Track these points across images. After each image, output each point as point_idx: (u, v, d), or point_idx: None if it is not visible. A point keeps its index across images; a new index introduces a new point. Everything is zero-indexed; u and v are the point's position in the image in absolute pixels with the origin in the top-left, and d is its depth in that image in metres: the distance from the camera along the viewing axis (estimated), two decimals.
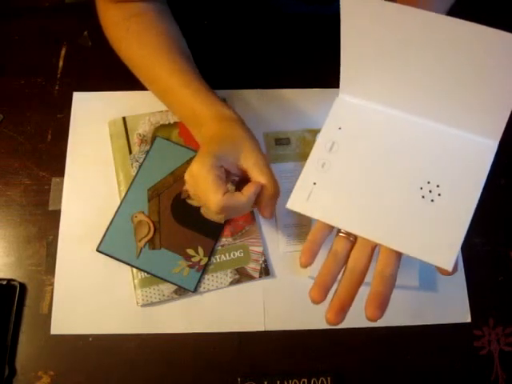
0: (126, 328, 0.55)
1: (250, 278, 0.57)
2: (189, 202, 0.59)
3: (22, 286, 0.56)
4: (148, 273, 0.56)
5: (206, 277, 0.57)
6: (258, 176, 0.48)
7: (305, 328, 0.55)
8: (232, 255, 0.57)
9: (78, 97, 0.65)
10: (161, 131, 0.62)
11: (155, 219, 0.58)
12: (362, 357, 0.55)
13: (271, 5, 0.70)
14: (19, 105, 0.65)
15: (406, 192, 0.43)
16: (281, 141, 0.63)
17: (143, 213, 0.58)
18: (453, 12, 0.58)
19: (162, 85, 0.56)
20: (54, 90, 0.66)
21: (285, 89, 0.65)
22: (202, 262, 0.57)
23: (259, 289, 0.57)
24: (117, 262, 0.56)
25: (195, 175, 0.47)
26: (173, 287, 0.56)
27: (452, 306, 0.56)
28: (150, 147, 0.61)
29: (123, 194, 0.59)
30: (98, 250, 0.57)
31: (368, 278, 0.41)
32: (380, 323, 0.55)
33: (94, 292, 0.56)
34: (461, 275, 0.58)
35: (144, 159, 0.60)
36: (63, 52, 0.68)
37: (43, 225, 0.59)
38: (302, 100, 0.65)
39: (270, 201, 0.48)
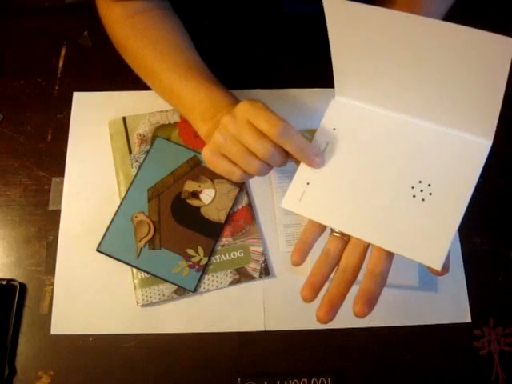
0: (125, 328, 0.55)
1: (250, 277, 0.57)
2: (189, 202, 0.59)
3: (22, 286, 0.56)
4: (148, 273, 0.56)
5: (206, 277, 0.57)
6: None
7: (305, 328, 0.55)
8: (232, 255, 0.57)
9: (77, 97, 0.65)
10: (161, 131, 0.62)
11: (155, 219, 0.58)
12: (361, 357, 0.55)
13: (271, 5, 0.70)
14: (19, 105, 0.65)
15: (398, 191, 0.43)
16: None
17: (143, 213, 0.58)
18: (452, 13, 0.58)
19: (168, 81, 0.55)
20: (54, 90, 0.66)
21: (285, 89, 0.66)
22: (202, 262, 0.57)
23: (259, 289, 0.57)
24: (117, 261, 0.56)
25: (253, 106, 0.45)
26: (173, 287, 0.56)
27: (452, 306, 0.56)
28: (150, 147, 0.61)
29: (123, 194, 0.59)
30: (98, 250, 0.57)
31: (361, 278, 0.41)
32: (380, 323, 0.56)
33: (94, 292, 0.56)
34: (461, 275, 0.58)
35: (144, 159, 0.60)
36: (63, 52, 0.68)
37: (43, 225, 0.59)
38: (302, 100, 0.65)
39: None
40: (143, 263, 0.56)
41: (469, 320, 0.56)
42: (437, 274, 0.41)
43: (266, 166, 0.46)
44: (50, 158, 0.62)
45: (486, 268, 0.58)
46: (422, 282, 0.56)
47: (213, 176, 0.60)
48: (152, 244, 0.57)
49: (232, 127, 0.45)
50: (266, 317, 0.56)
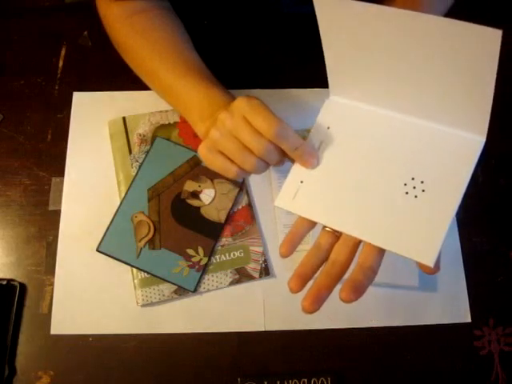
0: (125, 328, 0.55)
1: (250, 277, 0.57)
2: (189, 202, 0.59)
3: (22, 286, 0.56)
4: (148, 273, 0.56)
5: (206, 277, 0.56)
6: None
7: (305, 328, 0.55)
8: (232, 255, 0.57)
9: (77, 97, 0.65)
10: (161, 131, 0.62)
11: (155, 219, 0.58)
12: (361, 357, 0.55)
13: (271, 5, 0.70)
14: (19, 105, 0.65)
15: (391, 189, 0.43)
16: None
17: (143, 213, 0.58)
18: (452, 13, 0.58)
19: (167, 81, 0.55)
20: (54, 90, 0.66)
21: (285, 89, 0.66)
22: (202, 262, 0.57)
23: (259, 289, 0.57)
24: (117, 261, 0.56)
25: (250, 103, 0.44)
26: (173, 287, 0.56)
27: (452, 306, 0.56)
28: (150, 147, 0.61)
29: (123, 194, 0.59)
30: (98, 250, 0.57)
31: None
32: (380, 323, 0.56)
33: (94, 292, 0.56)
34: (461, 275, 0.58)
35: (144, 159, 0.60)
36: (63, 52, 0.68)
37: (43, 225, 0.59)
38: (302, 100, 0.65)
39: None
40: (143, 263, 0.56)
41: (469, 320, 0.56)
42: (428, 271, 0.41)
43: (263, 163, 0.46)
44: (50, 158, 0.62)
45: (486, 268, 0.58)
46: (421, 282, 0.56)
47: (213, 176, 0.60)
48: (152, 244, 0.57)
49: (229, 123, 0.45)
50: (265, 317, 0.56)
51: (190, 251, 0.57)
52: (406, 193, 0.43)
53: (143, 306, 0.55)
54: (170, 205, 0.59)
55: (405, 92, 0.44)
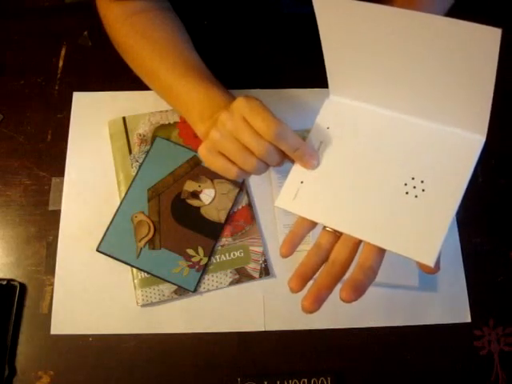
0: (125, 328, 0.55)
1: (250, 277, 0.57)
2: (189, 202, 0.59)
3: (22, 286, 0.56)
4: (148, 273, 0.56)
5: (206, 277, 0.57)
6: None
7: (305, 328, 0.55)
8: (232, 255, 0.57)
9: (78, 97, 0.65)
10: (161, 131, 0.62)
11: (155, 219, 0.58)
12: (361, 357, 0.55)
13: (271, 5, 0.70)
14: (19, 105, 0.65)
15: (391, 188, 0.43)
16: None
17: (143, 213, 0.58)
18: (452, 13, 0.58)
19: (167, 81, 0.55)
20: (54, 90, 0.66)
21: (285, 89, 0.66)
22: (202, 262, 0.57)
23: (259, 289, 0.57)
24: (117, 261, 0.56)
25: (250, 104, 0.44)
26: (173, 287, 0.56)
27: (452, 306, 0.56)
28: (150, 147, 0.61)
29: (123, 194, 0.59)
30: (98, 250, 0.57)
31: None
32: (380, 323, 0.56)
33: (94, 292, 0.56)
34: (461, 275, 0.58)
35: (144, 159, 0.60)
36: (63, 52, 0.68)
37: (43, 225, 0.59)
38: (302, 100, 0.65)
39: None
40: (143, 263, 0.56)
41: (469, 320, 0.56)
42: (429, 271, 0.41)
43: (263, 164, 0.46)
44: (50, 158, 0.62)
45: (486, 268, 0.58)
46: (422, 282, 0.56)
47: (213, 176, 0.60)
48: (152, 244, 0.57)
49: (229, 124, 0.45)
50: (265, 317, 0.56)
51: (190, 251, 0.57)
52: (406, 193, 0.43)
53: (143, 305, 0.55)
54: (170, 205, 0.59)
55: (405, 91, 0.44)
